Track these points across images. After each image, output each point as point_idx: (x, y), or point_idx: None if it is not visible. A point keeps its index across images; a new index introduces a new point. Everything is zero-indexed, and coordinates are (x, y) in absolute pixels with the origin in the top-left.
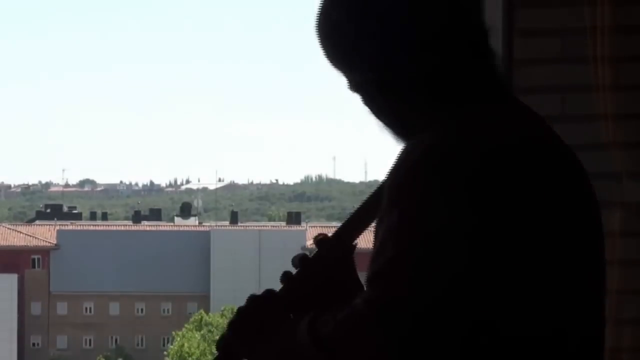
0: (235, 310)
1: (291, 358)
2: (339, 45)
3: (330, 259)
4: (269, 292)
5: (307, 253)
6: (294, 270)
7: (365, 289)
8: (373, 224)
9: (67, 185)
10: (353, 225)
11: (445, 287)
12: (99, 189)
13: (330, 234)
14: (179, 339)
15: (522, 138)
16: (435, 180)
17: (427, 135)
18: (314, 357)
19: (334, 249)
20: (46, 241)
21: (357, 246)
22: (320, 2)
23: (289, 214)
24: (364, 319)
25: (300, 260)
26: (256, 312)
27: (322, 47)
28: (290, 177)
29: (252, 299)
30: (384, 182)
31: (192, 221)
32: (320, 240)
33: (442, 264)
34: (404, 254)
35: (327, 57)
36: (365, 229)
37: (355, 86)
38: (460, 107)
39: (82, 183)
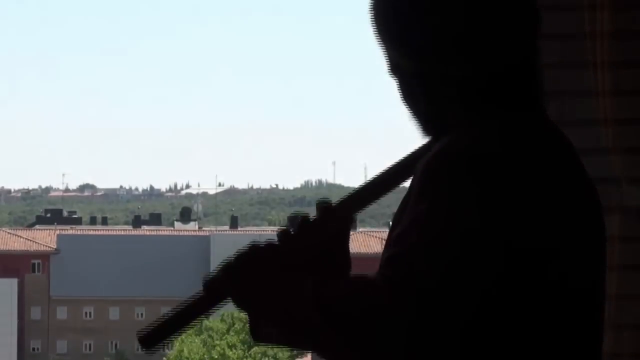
0: (233, 316)
1: (289, 317)
2: (395, 25)
3: (329, 227)
4: (271, 245)
5: (309, 215)
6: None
7: (379, 269)
8: (377, 201)
9: (67, 190)
10: (357, 199)
11: (466, 282)
12: (99, 193)
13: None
14: (178, 344)
15: (552, 148)
16: (470, 179)
17: (465, 134)
18: (314, 322)
19: (335, 218)
20: (46, 246)
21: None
22: None
23: (289, 217)
24: (381, 297)
25: (301, 221)
26: (256, 261)
27: (376, 23)
28: (290, 181)
29: (254, 247)
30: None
31: (192, 226)
32: (323, 207)
33: (467, 261)
34: (432, 243)
35: (379, 34)
36: (368, 205)
37: (397, 71)
38: (498, 109)
39: (82, 188)
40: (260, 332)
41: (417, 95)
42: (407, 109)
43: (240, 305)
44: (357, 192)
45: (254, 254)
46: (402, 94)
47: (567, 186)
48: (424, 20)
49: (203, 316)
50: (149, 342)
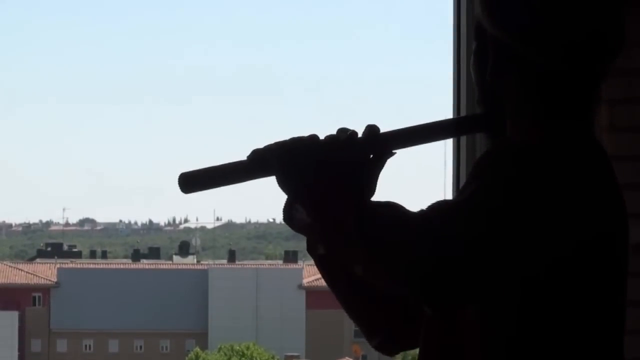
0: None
1: (324, 209)
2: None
3: (371, 150)
4: (317, 138)
5: (353, 131)
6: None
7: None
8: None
9: (67, 224)
10: (404, 136)
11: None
12: (98, 227)
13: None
14: None
15: (607, 162)
16: (514, 170)
17: (533, 142)
18: (348, 229)
19: (380, 144)
20: (47, 279)
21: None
22: None
23: (286, 252)
24: (412, 220)
25: (350, 135)
26: (311, 147)
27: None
28: None
29: (310, 136)
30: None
31: (191, 259)
32: (372, 129)
33: (506, 242)
34: (466, 210)
35: (484, 7)
36: (412, 145)
37: (488, 41)
38: (571, 119)
39: (82, 222)
40: (291, 215)
41: (488, 65)
42: (472, 70)
43: (282, 182)
44: (405, 130)
45: (310, 141)
46: (476, 56)
47: (601, 188)
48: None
49: (244, 179)
50: (186, 184)
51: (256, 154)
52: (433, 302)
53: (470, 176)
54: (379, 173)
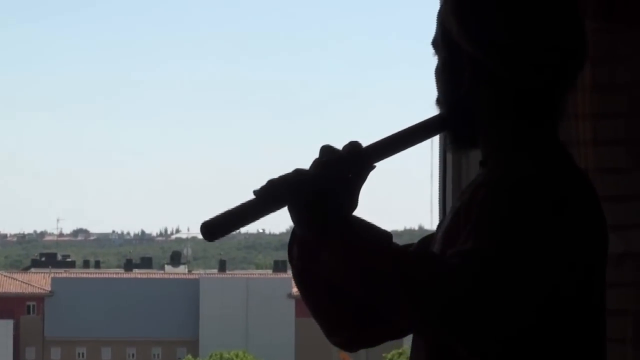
0: (220, 356)
1: (354, 250)
2: (480, 20)
3: (353, 166)
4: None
5: (335, 149)
6: None
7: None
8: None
9: (61, 234)
10: (383, 148)
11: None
12: (92, 238)
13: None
14: None
15: (574, 167)
16: (525, 205)
17: (526, 159)
18: (380, 265)
19: (362, 159)
20: (41, 288)
21: None
22: None
23: (276, 262)
24: (446, 266)
25: (327, 151)
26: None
27: (454, 2)
28: (276, 227)
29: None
30: (467, 196)
31: (182, 269)
32: (355, 146)
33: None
34: (495, 250)
35: (457, 19)
36: (392, 155)
37: (457, 51)
38: (547, 131)
39: (76, 232)
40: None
41: (463, 80)
42: (439, 82)
43: (305, 218)
44: (382, 141)
45: (295, 175)
46: (447, 69)
47: (591, 205)
48: (514, 21)
49: (260, 216)
50: (209, 233)
51: (265, 192)
52: (472, 346)
53: (467, 205)
54: (360, 188)
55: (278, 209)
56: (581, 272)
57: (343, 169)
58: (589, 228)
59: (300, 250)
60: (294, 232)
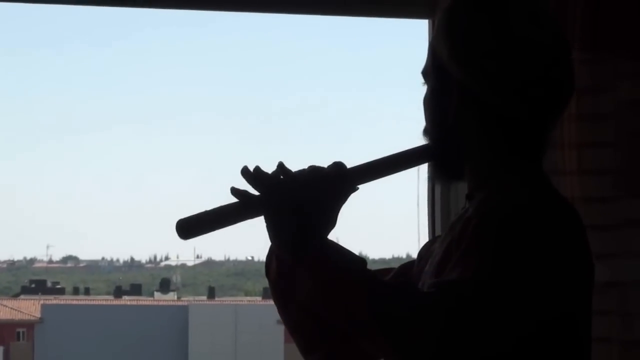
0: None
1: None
2: (469, 47)
3: (335, 185)
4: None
5: (320, 167)
6: None
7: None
8: (383, 179)
9: (51, 261)
10: (368, 171)
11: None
12: (81, 265)
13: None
14: None
15: (562, 199)
16: (516, 237)
17: (515, 190)
18: (353, 289)
19: (344, 181)
20: (31, 315)
21: None
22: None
23: (265, 289)
24: (425, 298)
25: (312, 169)
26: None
27: (446, 30)
28: (265, 254)
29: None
30: (459, 225)
31: (171, 296)
32: (340, 166)
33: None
34: (480, 281)
35: (449, 45)
36: (376, 179)
37: (445, 79)
38: (533, 161)
39: (66, 259)
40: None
41: (450, 107)
42: (427, 111)
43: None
44: (367, 165)
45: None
46: (436, 97)
47: (578, 238)
48: (505, 53)
49: (238, 220)
50: (183, 230)
51: (243, 196)
52: None
53: (458, 239)
54: (340, 208)
55: (256, 217)
56: (567, 307)
57: (326, 188)
58: (576, 263)
59: (278, 264)
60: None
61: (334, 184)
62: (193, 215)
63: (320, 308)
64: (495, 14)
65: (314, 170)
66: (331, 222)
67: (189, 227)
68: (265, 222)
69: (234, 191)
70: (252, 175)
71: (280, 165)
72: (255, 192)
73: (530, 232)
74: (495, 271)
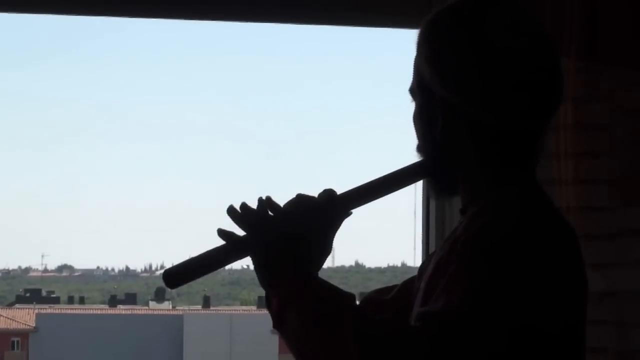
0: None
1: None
2: (450, 60)
3: (328, 214)
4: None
5: (310, 197)
6: None
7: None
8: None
9: (45, 270)
10: (359, 195)
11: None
12: (76, 274)
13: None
14: None
15: (557, 212)
16: (507, 260)
17: (506, 205)
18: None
19: (335, 208)
20: (25, 324)
21: None
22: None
23: (260, 298)
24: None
25: (302, 199)
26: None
27: (426, 48)
28: None
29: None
30: (456, 238)
31: (166, 305)
32: (330, 194)
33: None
34: (467, 311)
35: (430, 64)
36: (368, 202)
37: (435, 108)
38: (525, 172)
39: (60, 268)
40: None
41: (438, 124)
42: (417, 129)
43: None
44: (359, 189)
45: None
46: (424, 114)
47: (572, 256)
48: (489, 65)
49: (225, 264)
50: (171, 281)
51: (230, 237)
52: None
53: (447, 257)
54: (334, 235)
55: (245, 257)
56: (559, 332)
57: (318, 217)
58: (568, 287)
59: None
60: None
61: (326, 212)
62: (180, 264)
63: (302, 352)
64: (474, 27)
65: (304, 200)
66: (326, 252)
67: (177, 277)
68: (253, 263)
69: (221, 233)
70: (239, 215)
71: (268, 200)
72: (242, 232)
73: (518, 260)
74: (481, 301)
